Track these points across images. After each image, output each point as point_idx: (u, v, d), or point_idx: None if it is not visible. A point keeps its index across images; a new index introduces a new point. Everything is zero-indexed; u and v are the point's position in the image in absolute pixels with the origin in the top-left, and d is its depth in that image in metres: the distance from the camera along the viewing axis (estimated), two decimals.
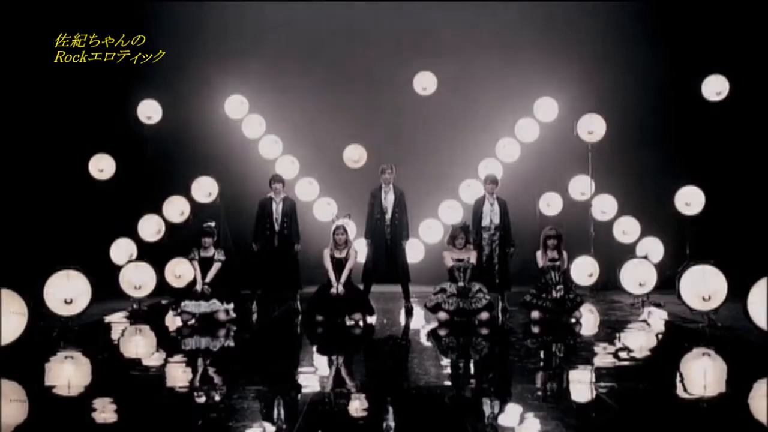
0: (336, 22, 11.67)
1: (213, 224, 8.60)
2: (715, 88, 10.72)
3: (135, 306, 9.11)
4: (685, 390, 5.49)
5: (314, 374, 5.96)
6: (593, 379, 5.62)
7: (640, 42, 11.26)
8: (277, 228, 9.05)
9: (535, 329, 7.80)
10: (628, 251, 10.37)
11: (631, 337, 7.55)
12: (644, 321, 8.31)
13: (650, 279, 9.15)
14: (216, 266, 8.19)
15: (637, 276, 9.16)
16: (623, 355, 6.70)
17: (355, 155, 11.41)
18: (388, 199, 8.92)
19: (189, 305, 7.98)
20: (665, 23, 11.22)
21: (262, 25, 11.59)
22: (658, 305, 9.09)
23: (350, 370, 6.22)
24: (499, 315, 8.55)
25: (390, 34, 11.68)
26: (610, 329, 7.77)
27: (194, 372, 6.09)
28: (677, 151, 10.97)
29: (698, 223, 10.51)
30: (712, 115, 10.70)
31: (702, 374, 6.02)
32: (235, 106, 11.46)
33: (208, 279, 8.12)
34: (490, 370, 6.27)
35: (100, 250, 10.22)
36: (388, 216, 8.86)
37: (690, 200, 10.45)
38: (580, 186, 10.91)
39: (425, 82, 11.49)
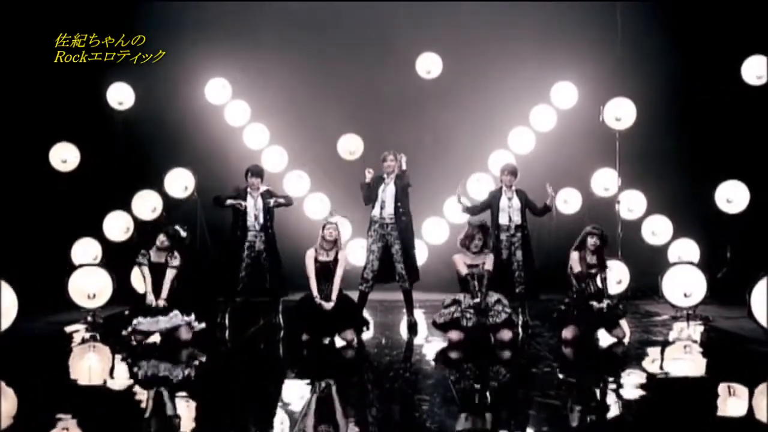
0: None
1: (179, 229, 6.76)
2: (756, 71, 9.16)
3: (90, 318, 7.38)
4: None
5: (290, 424, 4.25)
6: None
7: (673, 20, 9.58)
8: (258, 227, 7.27)
9: (568, 351, 6.09)
10: (658, 255, 8.88)
11: (692, 364, 5.97)
12: (698, 341, 6.60)
13: (698, 289, 7.38)
14: (170, 275, 6.37)
15: (683, 285, 7.38)
16: (687, 388, 5.10)
17: (350, 146, 10.05)
18: (387, 192, 7.11)
19: (143, 323, 6.17)
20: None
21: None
22: (706, 319, 7.34)
23: (339, 419, 4.48)
24: (520, 332, 6.79)
25: (389, 13, 10.07)
26: (661, 353, 6.11)
27: (138, 420, 4.39)
28: (716, 140, 9.34)
29: (741, 222, 8.84)
30: (755, 100, 9.07)
31: None
32: (217, 90, 10.03)
33: (164, 294, 6.30)
34: (527, 423, 4.45)
35: (60, 251, 8.88)
36: (388, 212, 7.06)
37: (732, 196, 8.88)
38: (604, 180, 9.25)
39: (429, 65, 10.04)
